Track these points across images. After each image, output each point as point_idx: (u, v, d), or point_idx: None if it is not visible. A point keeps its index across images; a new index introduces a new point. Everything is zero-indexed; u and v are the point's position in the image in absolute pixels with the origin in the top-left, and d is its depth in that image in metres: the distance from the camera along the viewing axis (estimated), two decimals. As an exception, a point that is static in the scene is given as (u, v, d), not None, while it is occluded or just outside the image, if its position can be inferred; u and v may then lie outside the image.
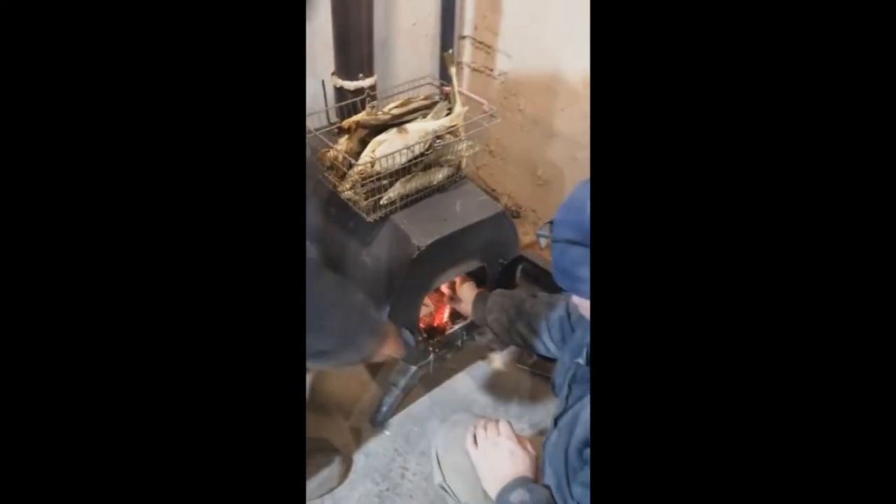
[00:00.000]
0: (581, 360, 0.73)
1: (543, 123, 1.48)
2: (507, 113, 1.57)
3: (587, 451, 0.63)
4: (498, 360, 1.40)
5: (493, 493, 0.75)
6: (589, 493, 0.60)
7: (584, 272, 0.61)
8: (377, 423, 1.24)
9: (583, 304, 0.67)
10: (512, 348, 1.40)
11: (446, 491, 0.85)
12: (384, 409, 1.23)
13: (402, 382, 1.21)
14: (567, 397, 0.75)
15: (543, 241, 0.66)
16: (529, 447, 0.81)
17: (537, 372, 1.36)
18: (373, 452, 1.21)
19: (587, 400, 0.67)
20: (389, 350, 0.87)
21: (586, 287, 0.62)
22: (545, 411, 1.28)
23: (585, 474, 0.62)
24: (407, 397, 1.28)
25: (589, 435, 0.63)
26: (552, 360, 1.21)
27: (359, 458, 1.20)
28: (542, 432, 1.23)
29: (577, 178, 1.45)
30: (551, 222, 0.66)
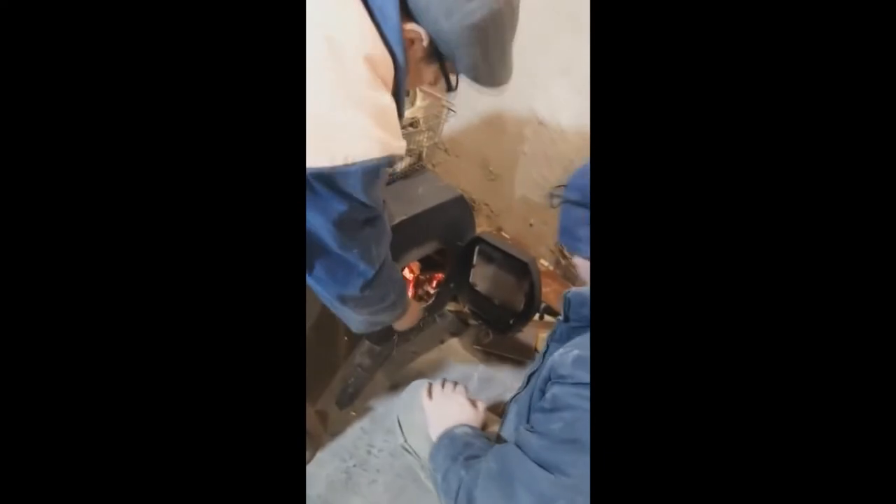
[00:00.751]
0: (561, 318, 0.79)
1: (493, 122, 1.59)
2: (462, 111, 1.67)
3: (548, 385, 0.70)
4: (456, 342, 1.48)
5: (436, 435, 0.80)
6: (544, 418, 0.66)
7: (584, 232, 0.68)
8: (343, 404, 1.29)
9: (582, 265, 0.74)
10: (469, 331, 1.49)
11: (407, 450, 0.91)
12: (349, 390, 1.28)
13: (367, 363, 1.27)
14: (544, 355, 0.82)
15: (556, 201, 0.72)
16: (481, 407, 0.88)
17: (493, 352, 1.45)
18: (339, 432, 1.25)
19: (558, 350, 0.74)
20: (413, 312, 1.07)
21: (585, 247, 0.69)
22: (501, 388, 1.37)
23: (544, 401, 0.68)
24: (370, 381, 1.33)
25: (551, 372, 0.69)
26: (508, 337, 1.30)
27: (326, 439, 1.24)
28: (495, 408, 1.32)
29: (526, 172, 1.57)
30: (564, 185, 0.72)
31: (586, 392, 0.61)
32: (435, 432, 0.82)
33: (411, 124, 1.09)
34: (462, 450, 0.74)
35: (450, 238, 1.17)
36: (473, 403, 0.87)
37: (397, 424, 0.93)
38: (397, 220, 1.01)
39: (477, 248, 1.20)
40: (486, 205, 1.75)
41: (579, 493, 0.58)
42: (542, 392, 0.71)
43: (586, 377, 0.61)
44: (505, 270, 1.18)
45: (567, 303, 0.75)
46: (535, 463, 0.62)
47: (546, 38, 1.32)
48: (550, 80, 1.36)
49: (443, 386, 0.88)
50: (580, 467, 0.59)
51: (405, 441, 0.91)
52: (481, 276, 1.25)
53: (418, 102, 1.09)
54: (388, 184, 1.08)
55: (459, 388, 0.89)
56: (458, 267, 1.24)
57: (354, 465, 1.21)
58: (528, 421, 0.73)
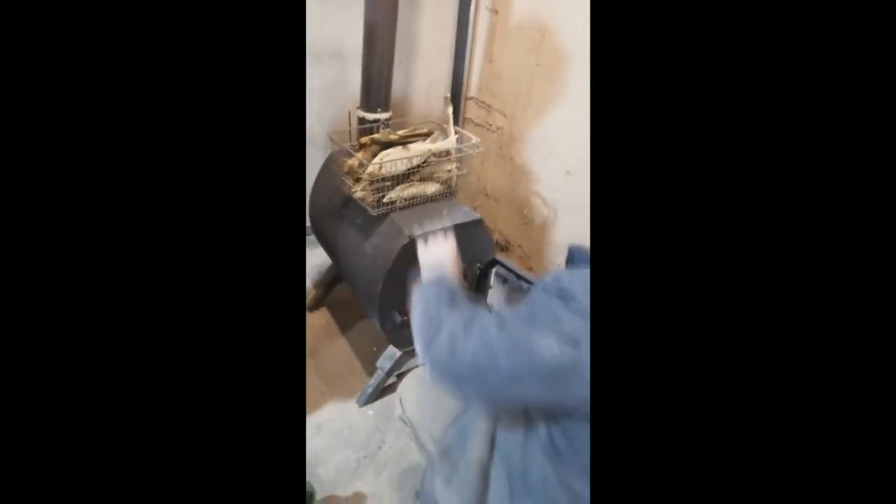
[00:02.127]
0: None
1: (529, 171, 1.77)
2: (501, 161, 1.86)
3: None
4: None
5: (427, 273, 0.86)
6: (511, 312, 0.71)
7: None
8: (362, 402, 1.42)
9: None
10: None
11: (404, 421, 1.02)
12: (369, 390, 1.42)
13: (388, 366, 1.41)
14: None
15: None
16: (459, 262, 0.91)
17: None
18: (355, 426, 1.38)
19: None
20: None
21: None
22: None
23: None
24: (391, 385, 1.46)
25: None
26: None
27: (342, 430, 1.36)
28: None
29: (556, 218, 1.71)
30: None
31: (544, 285, 0.68)
32: (429, 274, 0.87)
33: (443, 154, 1.28)
34: (449, 295, 0.80)
35: (470, 259, 1.32)
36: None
37: (398, 399, 1.05)
38: (419, 232, 1.18)
39: (493, 271, 1.34)
40: (520, 246, 1.89)
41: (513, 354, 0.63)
42: None
43: (552, 281, 0.68)
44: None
45: (570, 256, 0.82)
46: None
47: (579, 94, 1.50)
48: (576, 130, 1.53)
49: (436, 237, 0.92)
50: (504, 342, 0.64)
51: (403, 413, 1.02)
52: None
53: (451, 137, 1.29)
54: (418, 205, 1.27)
55: (451, 237, 0.93)
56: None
57: (365, 457, 1.32)
58: None
